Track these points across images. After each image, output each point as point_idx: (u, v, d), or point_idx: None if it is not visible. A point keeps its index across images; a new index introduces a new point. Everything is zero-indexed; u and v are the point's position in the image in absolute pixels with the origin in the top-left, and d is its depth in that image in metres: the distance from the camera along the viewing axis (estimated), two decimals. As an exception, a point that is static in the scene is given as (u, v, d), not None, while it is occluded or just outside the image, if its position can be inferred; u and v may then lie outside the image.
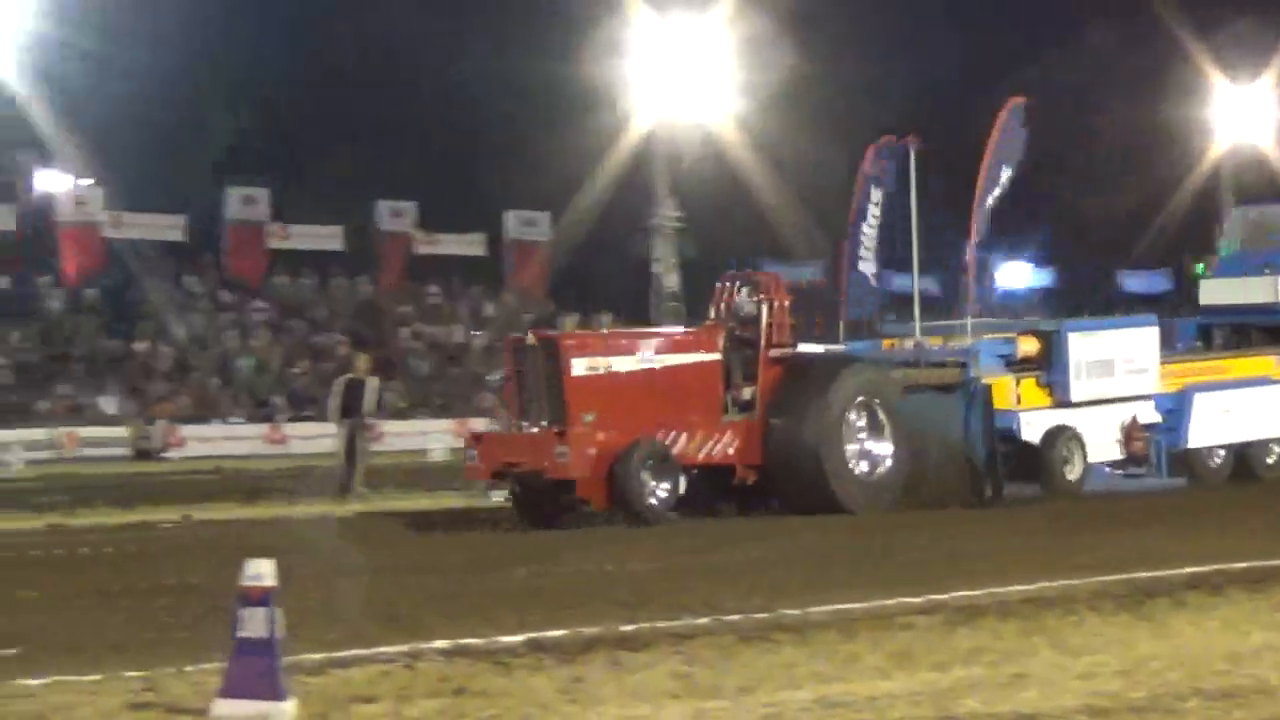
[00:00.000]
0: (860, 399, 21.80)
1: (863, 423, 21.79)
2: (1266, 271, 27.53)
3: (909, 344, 25.06)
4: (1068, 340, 24.15)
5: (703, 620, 11.49)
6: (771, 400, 21.65)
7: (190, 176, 68.88)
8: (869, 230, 25.55)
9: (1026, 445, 23.58)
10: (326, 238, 70.95)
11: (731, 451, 21.55)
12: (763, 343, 21.96)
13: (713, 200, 55.62)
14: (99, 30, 58.83)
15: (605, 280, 64.17)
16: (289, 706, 7.79)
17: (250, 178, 69.31)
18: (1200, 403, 25.40)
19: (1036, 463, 23.63)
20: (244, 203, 69.65)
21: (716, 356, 21.88)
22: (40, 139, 59.18)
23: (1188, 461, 25.60)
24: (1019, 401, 23.82)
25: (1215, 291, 28.79)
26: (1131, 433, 24.54)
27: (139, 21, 62.34)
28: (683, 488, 21.35)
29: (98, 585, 15.01)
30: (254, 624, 7.86)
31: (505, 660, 9.87)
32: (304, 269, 68.93)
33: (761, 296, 22.29)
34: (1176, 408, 25.26)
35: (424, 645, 10.35)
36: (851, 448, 21.64)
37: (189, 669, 9.28)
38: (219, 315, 62.54)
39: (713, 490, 22.01)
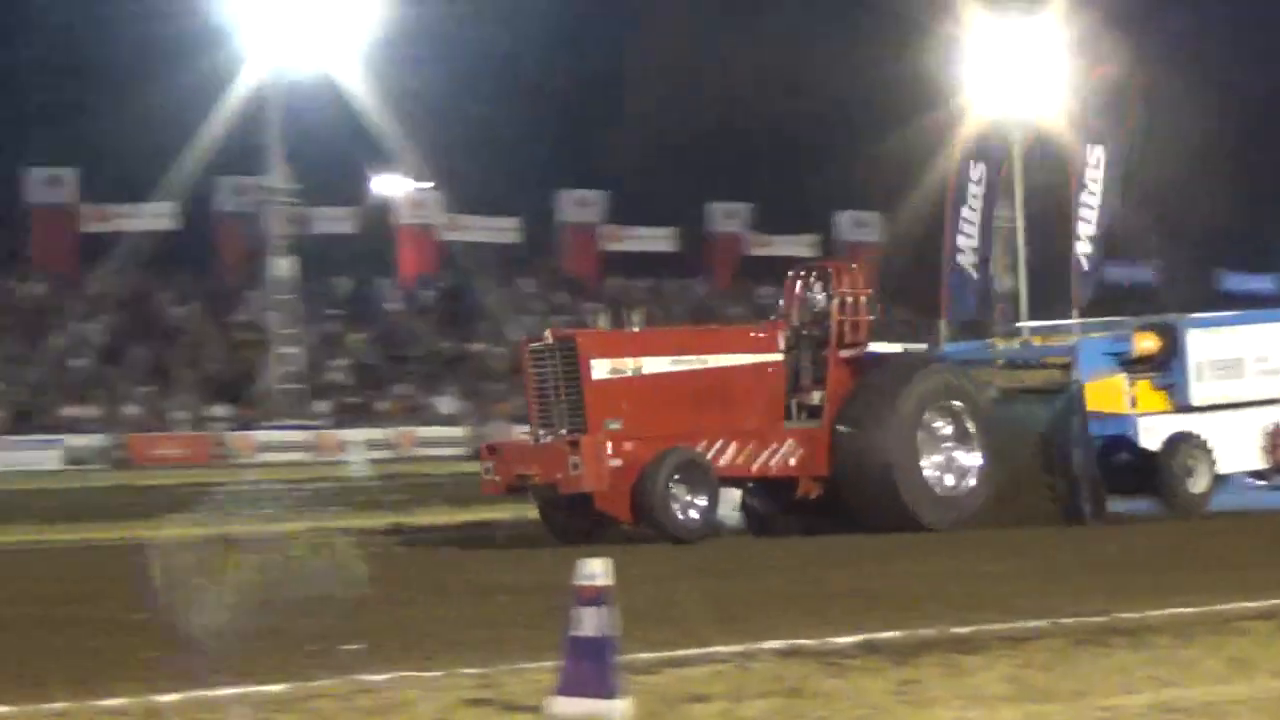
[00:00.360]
0: (940, 404, 19.79)
1: (948, 430, 19.82)
2: None
3: (1014, 344, 23.07)
4: (1187, 337, 21.68)
5: (1037, 623, 11.22)
6: (840, 405, 19.60)
7: (525, 180, 70.18)
8: (970, 215, 23.59)
9: (1143, 454, 21.16)
10: (659, 239, 71.82)
11: (794, 462, 19.47)
12: (832, 341, 19.87)
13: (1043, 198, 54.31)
14: (438, 38, 60.40)
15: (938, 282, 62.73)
16: (622, 705, 7.78)
17: (584, 182, 70.56)
18: None
19: (1154, 475, 21.16)
20: (578, 206, 70.93)
21: (777, 357, 19.84)
22: (381, 145, 60.93)
23: None
24: (1134, 405, 21.29)
25: None
26: (1276, 440, 22.00)
27: (479, 31, 63.82)
28: (735, 504, 20.11)
29: (437, 583, 15.41)
30: (588, 623, 7.87)
31: (838, 661, 9.74)
32: (637, 271, 69.87)
33: (833, 289, 20.11)
34: None
35: (757, 645, 10.25)
36: (935, 458, 19.66)
37: (525, 666, 9.33)
38: (552, 316, 63.76)
39: (773, 505, 20.28)
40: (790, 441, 19.47)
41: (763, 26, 69.94)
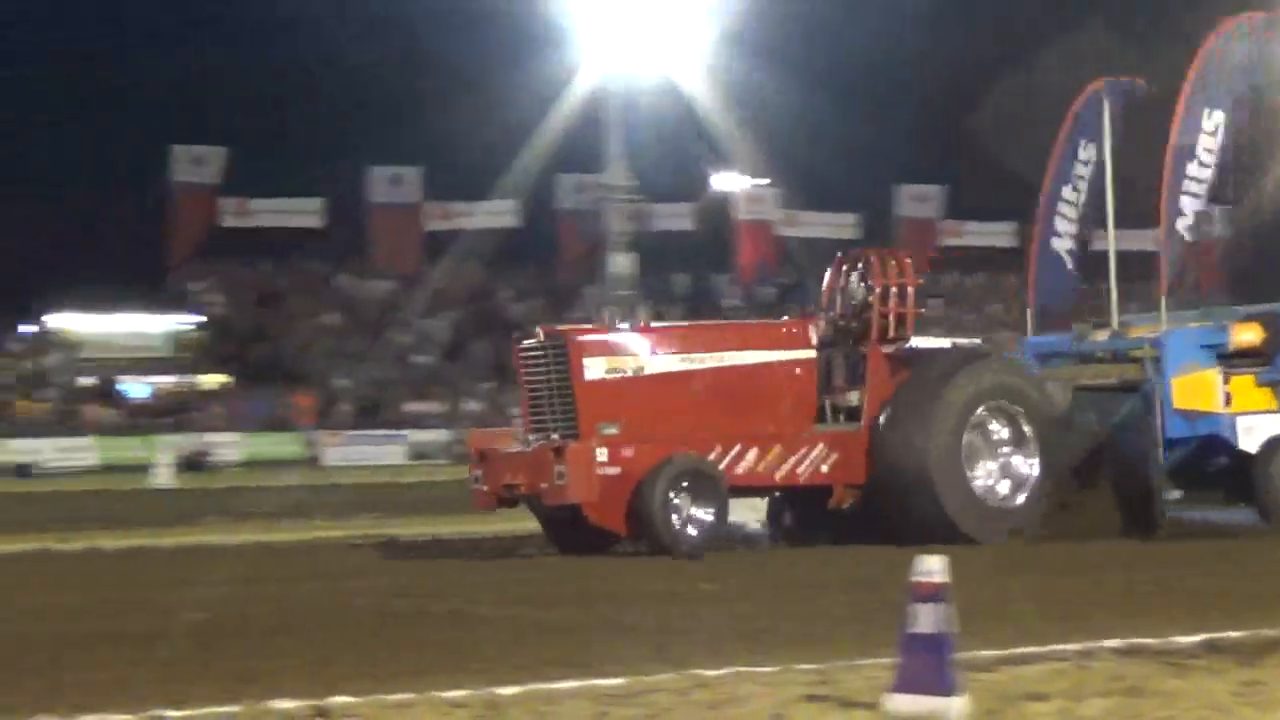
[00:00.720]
0: (991, 404, 17.90)
1: (1005, 434, 17.99)
2: None
3: (1101, 335, 20.45)
4: None
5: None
6: (880, 406, 17.86)
7: (862, 175, 69.91)
8: (1071, 196, 21.35)
9: (1240, 457, 18.96)
10: (996, 234, 70.91)
11: (826, 469, 17.73)
12: (873, 335, 18.16)
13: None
14: (774, 36, 60.49)
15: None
16: (960, 702, 7.74)
17: (922, 177, 70.08)
18: None
19: (1251, 481, 18.91)
20: (916, 201, 70.46)
21: (809, 354, 18.12)
22: (719, 142, 61.25)
23: None
24: (1228, 403, 19.08)
25: None
26: None
27: (814, 27, 63.82)
28: (760, 514, 18.66)
29: (773, 579, 15.47)
30: (925, 619, 7.83)
31: (1180, 661, 9.55)
32: (974, 266, 69.14)
33: (875, 280, 18.33)
34: None
35: (1097, 644, 10.10)
36: (987, 464, 17.91)
37: (861, 663, 9.34)
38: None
39: (802, 515, 18.66)
40: (822, 446, 17.77)
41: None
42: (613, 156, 58.92)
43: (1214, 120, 20.45)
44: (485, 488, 17.77)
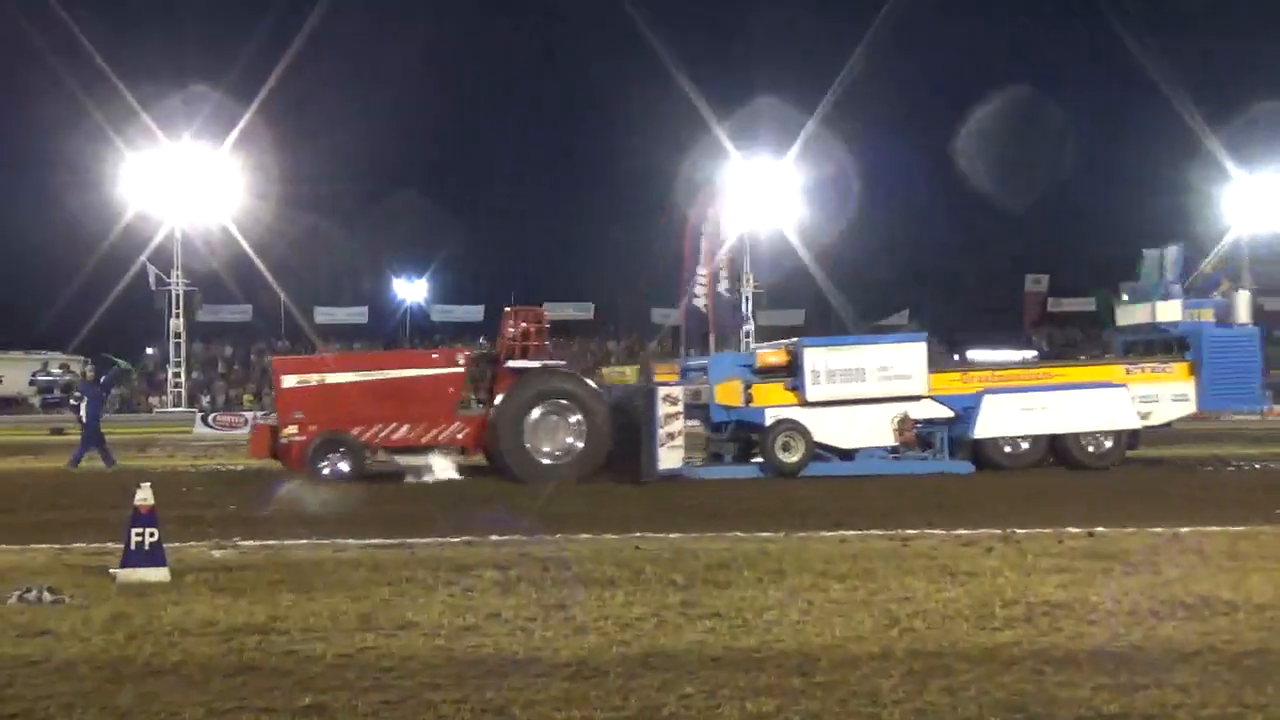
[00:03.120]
0: (550, 400, 28.07)
1: (560, 419, 28.25)
2: (1155, 299, 31.92)
3: (698, 361, 32.82)
4: (804, 355, 29.41)
5: None
6: (498, 400, 28.40)
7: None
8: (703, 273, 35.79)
9: (760, 432, 29.35)
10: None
11: (460, 436, 28.58)
12: (500, 357, 29.45)
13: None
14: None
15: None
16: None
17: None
18: (991, 403, 29.88)
19: (763, 445, 29.25)
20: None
21: (455, 369, 28.95)
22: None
23: (981, 449, 29.99)
24: (749, 401, 29.40)
25: (1124, 316, 33.54)
26: (903, 425, 29.43)
27: None
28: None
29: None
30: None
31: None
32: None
33: (514, 323, 29.67)
34: (972, 406, 29.83)
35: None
36: (547, 437, 28.17)
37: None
38: None
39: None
40: (458, 423, 28.64)
41: None
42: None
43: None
44: (253, 446, 29.50)
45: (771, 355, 30.27)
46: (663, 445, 27.42)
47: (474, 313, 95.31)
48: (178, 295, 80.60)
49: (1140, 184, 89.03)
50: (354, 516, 21.12)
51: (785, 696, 9.02)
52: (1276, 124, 79.42)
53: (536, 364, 29.18)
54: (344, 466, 27.90)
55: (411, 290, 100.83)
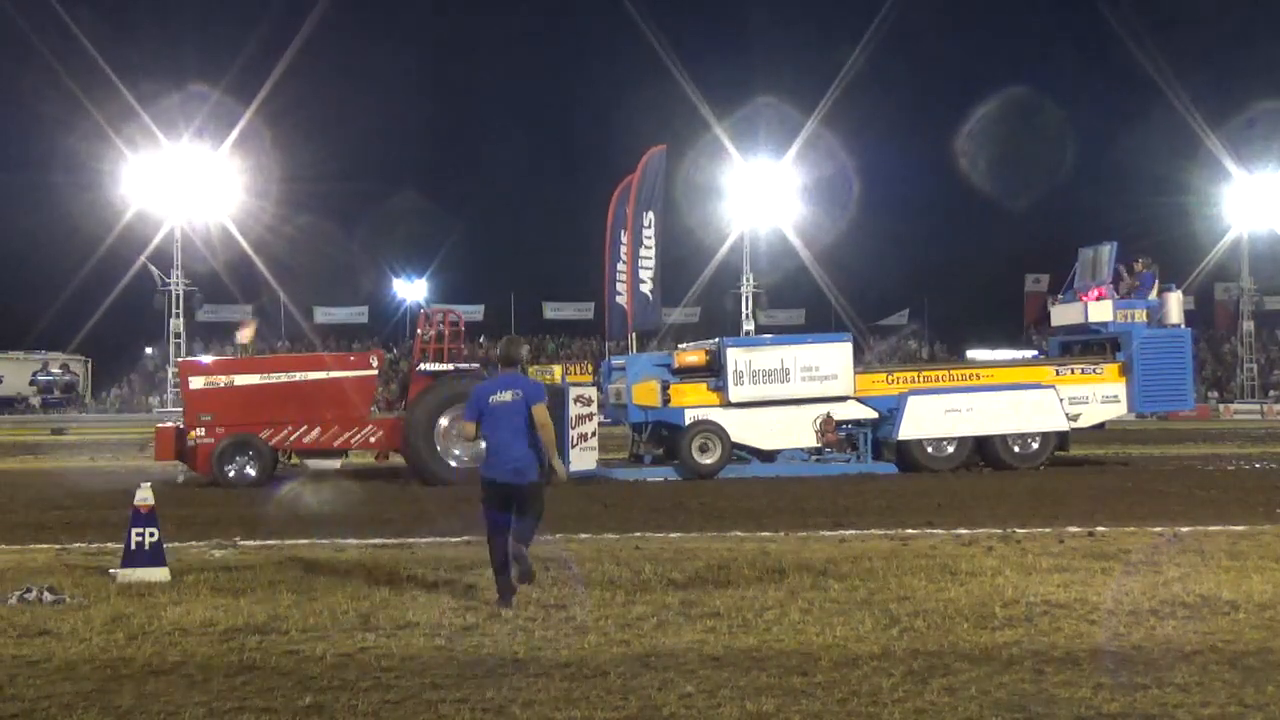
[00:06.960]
0: (457, 405, 26.95)
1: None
2: (1086, 298, 32.06)
3: (619, 361, 31.39)
4: (727, 355, 29.36)
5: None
6: (410, 403, 28.36)
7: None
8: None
9: (677, 432, 29.28)
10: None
11: (373, 440, 28.47)
12: (415, 362, 29.77)
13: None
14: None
15: None
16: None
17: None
18: (915, 404, 29.86)
19: (676, 448, 29.22)
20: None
21: (369, 372, 28.74)
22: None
23: (905, 450, 29.94)
24: (667, 402, 29.37)
25: (1058, 315, 33.53)
26: (825, 426, 29.43)
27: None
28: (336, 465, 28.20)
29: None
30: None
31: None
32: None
33: (426, 326, 30.41)
34: (896, 407, 29.86)
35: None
36: (454, 439, 27.76)
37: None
38: None
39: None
40: (371, 426, 28.47)
41: None
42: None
43: (649, 218, 32.80)
44: (158, 449, 28.72)
45: (690, 355, 30.23)
46: (574, 446, 27.15)
47: (474, 312, 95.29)
48: (178, 295, 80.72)
49: (1140, 184, 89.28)
50: (354, 516, 21.17)
51: (785, 696, 9.03)
52: (1276, 124, 79.68)
53: (448, 367, 29.07)
54: (251, 471, 27.58)
55: (411, 290, 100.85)
